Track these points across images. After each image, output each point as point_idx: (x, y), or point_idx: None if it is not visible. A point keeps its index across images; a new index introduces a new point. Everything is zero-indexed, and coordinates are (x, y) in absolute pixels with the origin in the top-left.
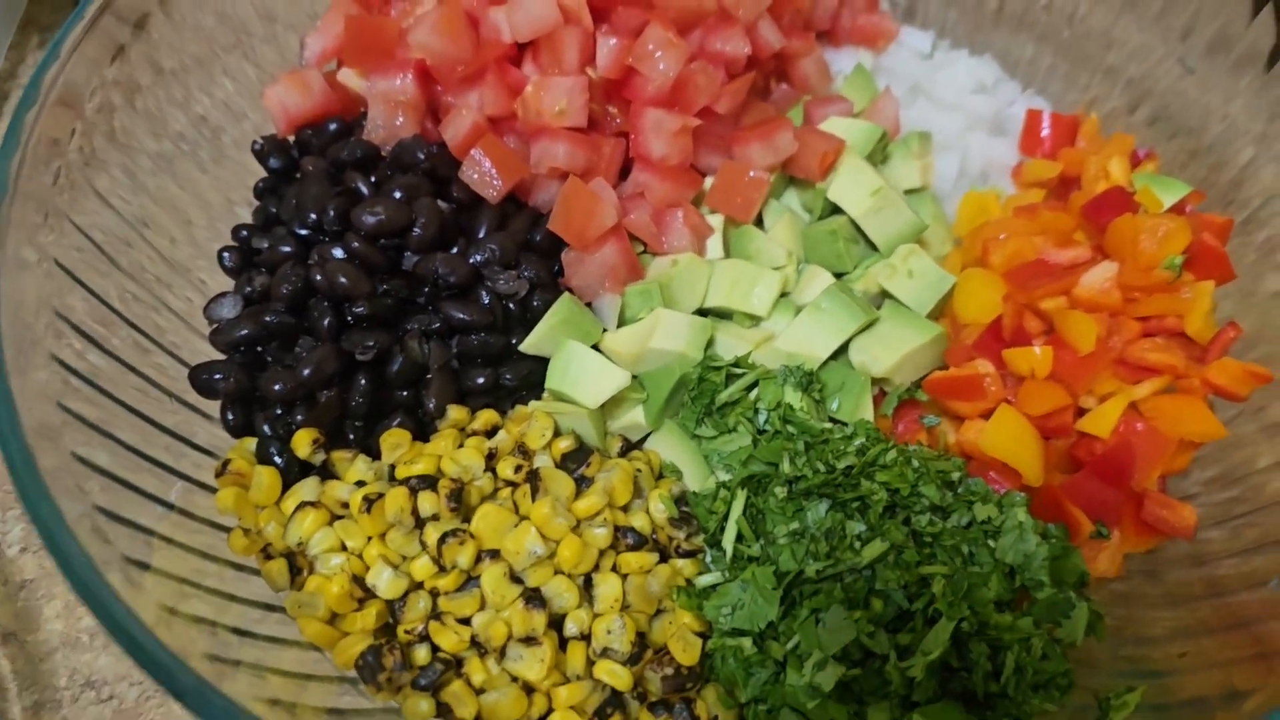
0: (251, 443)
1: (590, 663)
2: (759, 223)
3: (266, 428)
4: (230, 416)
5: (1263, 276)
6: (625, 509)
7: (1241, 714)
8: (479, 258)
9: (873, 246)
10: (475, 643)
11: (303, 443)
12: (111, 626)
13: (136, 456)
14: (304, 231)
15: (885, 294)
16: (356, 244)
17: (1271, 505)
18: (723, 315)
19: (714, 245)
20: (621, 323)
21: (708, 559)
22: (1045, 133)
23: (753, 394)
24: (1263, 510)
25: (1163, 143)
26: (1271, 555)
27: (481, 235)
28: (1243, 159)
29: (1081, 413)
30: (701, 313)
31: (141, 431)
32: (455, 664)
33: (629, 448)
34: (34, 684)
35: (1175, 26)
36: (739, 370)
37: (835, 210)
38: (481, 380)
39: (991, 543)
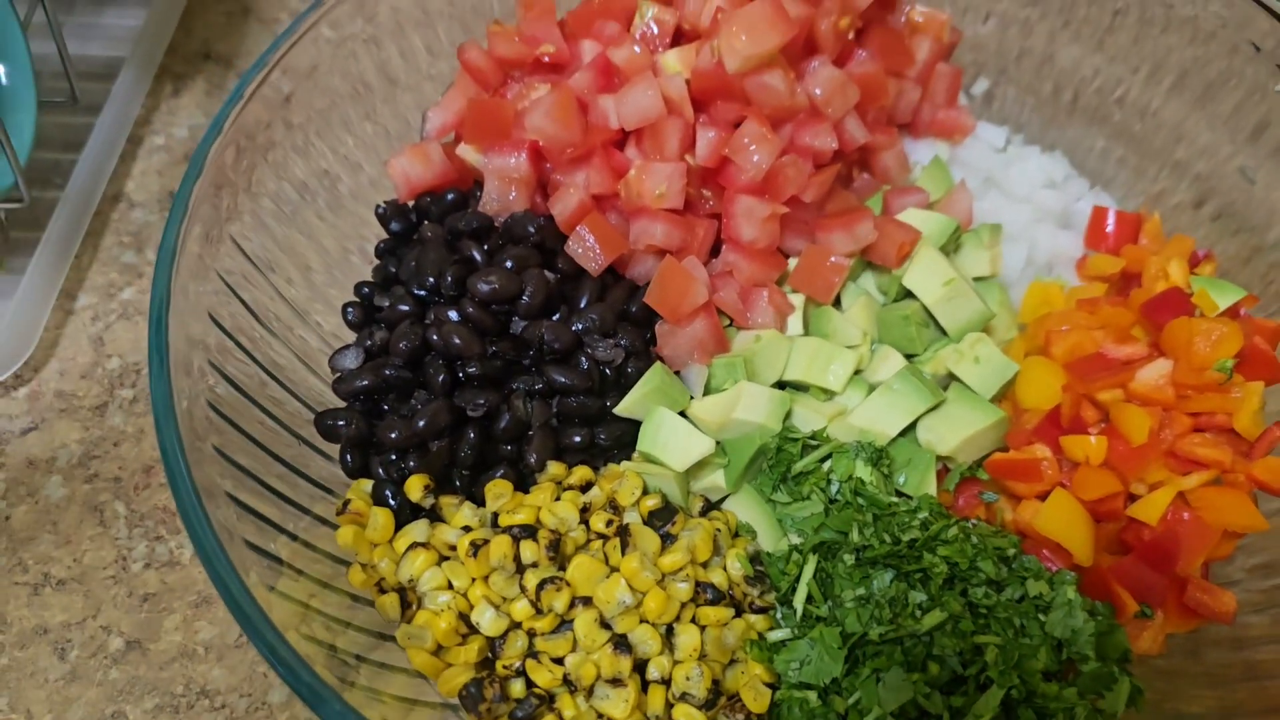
0: (368, 484)
1: (669, 705)
2: (837, 303)
3: (382, 471)
4: (349, 459)
5: None
6: (705, 565)
7: None
8: (580, 325)
9: (942, 331)
10: (567, 681)
11: (415, 488)
12: (260, 641)
13: (256, 483)
14: (422, 293)
15: (952, 376)
16: (470, 308)
17: None
18: (800, 388)
19: (794, 323)
20: (707, 391)
21: (778, 615)
22: (1110, 229)
23: (826, 465)
24: None
25: (1226, 238)
26: None
27: (583, 305)
28: None
29: (1132, 499)
30: (780, 385)
31: (260, 460)
32: (548, 699)
33: (709, 507)
34: (154, 689)
35: (1245, 126)
36: (814, 442)
37: (908, 295)
38: (579, 439)
39: (1042, 617)
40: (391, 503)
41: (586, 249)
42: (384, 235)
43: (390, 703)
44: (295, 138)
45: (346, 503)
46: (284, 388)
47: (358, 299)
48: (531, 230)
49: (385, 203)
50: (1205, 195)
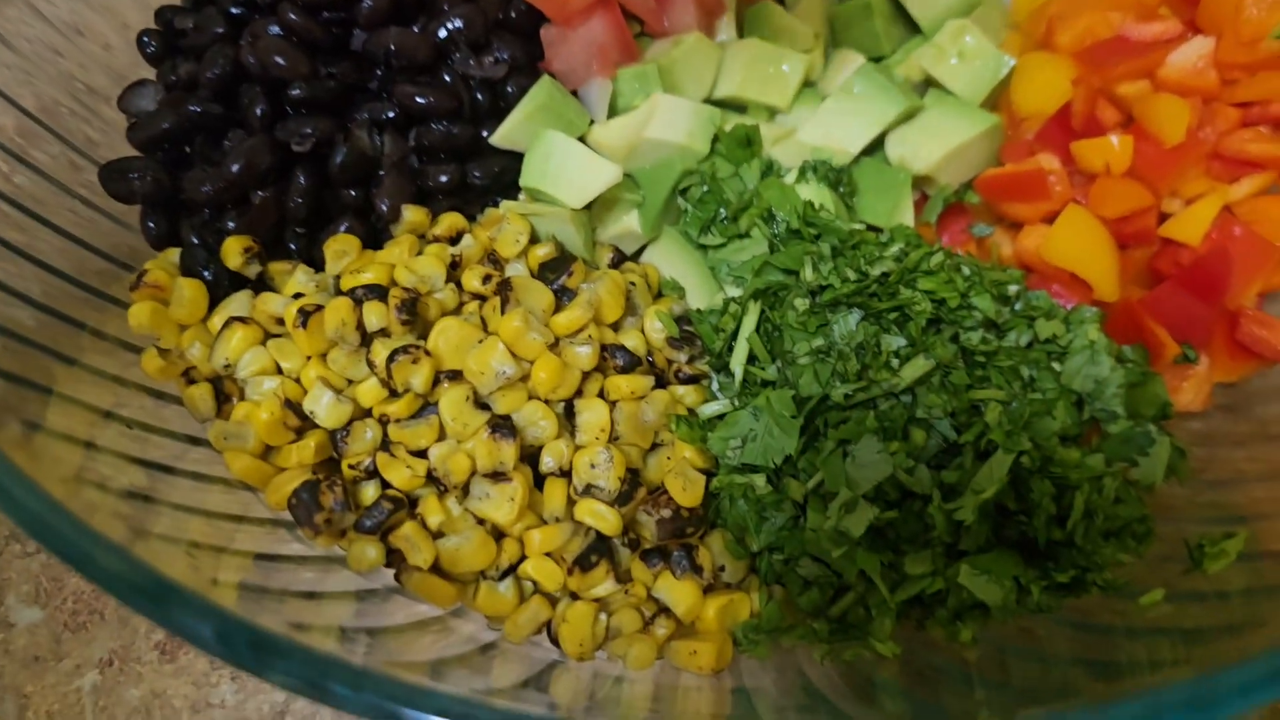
0: (175, 254)
1: (571, 503)
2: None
3: (193, 236)
4: (151, 224)
5: None
6: (615, 327)
7: None
8: (442, 34)
9: (916, 28)
10: (433, 479)
11: (233, 252)
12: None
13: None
14: (236, 10)
15: (930, 82)
16: (293, 16)
17: None
18: (736, 108)
19: (725, 27)
20: (613, 114)
21: (714, 385)
22: None
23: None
24: None
25: None
26: None
27: (445, 7)
28: None
29: (1165, 218)
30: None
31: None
32: (408, 503)
33: (621, 259)
34: None
35: None
36: None
37: None
38: (444, 178)
39: (1057, 365)
40: (205, 273)
41: None
42: None
43: (202, 524)
44: None
45: (141, 275)
46: (97, 165)
47: (158, 26)
48: None
49: None
50: None
